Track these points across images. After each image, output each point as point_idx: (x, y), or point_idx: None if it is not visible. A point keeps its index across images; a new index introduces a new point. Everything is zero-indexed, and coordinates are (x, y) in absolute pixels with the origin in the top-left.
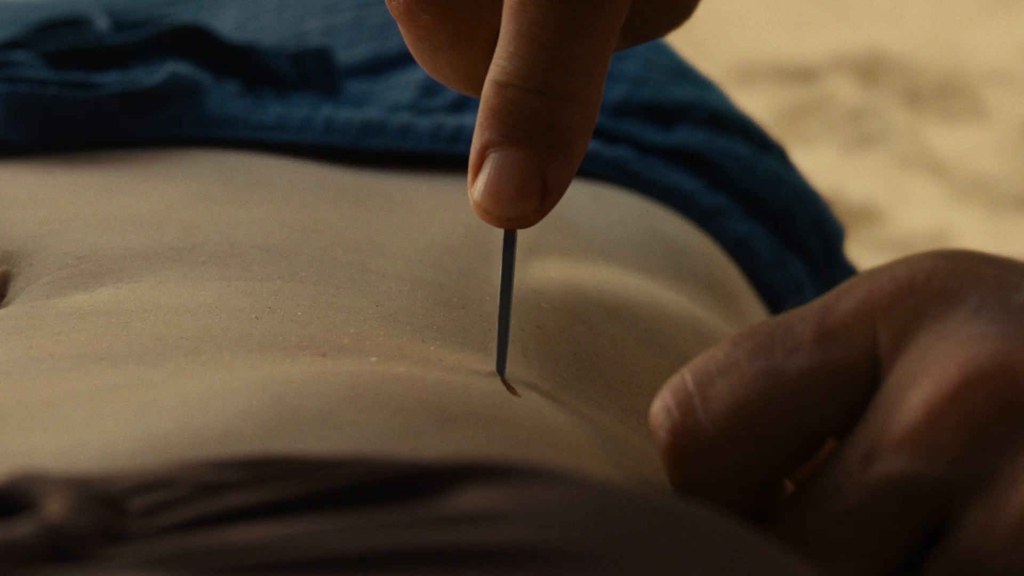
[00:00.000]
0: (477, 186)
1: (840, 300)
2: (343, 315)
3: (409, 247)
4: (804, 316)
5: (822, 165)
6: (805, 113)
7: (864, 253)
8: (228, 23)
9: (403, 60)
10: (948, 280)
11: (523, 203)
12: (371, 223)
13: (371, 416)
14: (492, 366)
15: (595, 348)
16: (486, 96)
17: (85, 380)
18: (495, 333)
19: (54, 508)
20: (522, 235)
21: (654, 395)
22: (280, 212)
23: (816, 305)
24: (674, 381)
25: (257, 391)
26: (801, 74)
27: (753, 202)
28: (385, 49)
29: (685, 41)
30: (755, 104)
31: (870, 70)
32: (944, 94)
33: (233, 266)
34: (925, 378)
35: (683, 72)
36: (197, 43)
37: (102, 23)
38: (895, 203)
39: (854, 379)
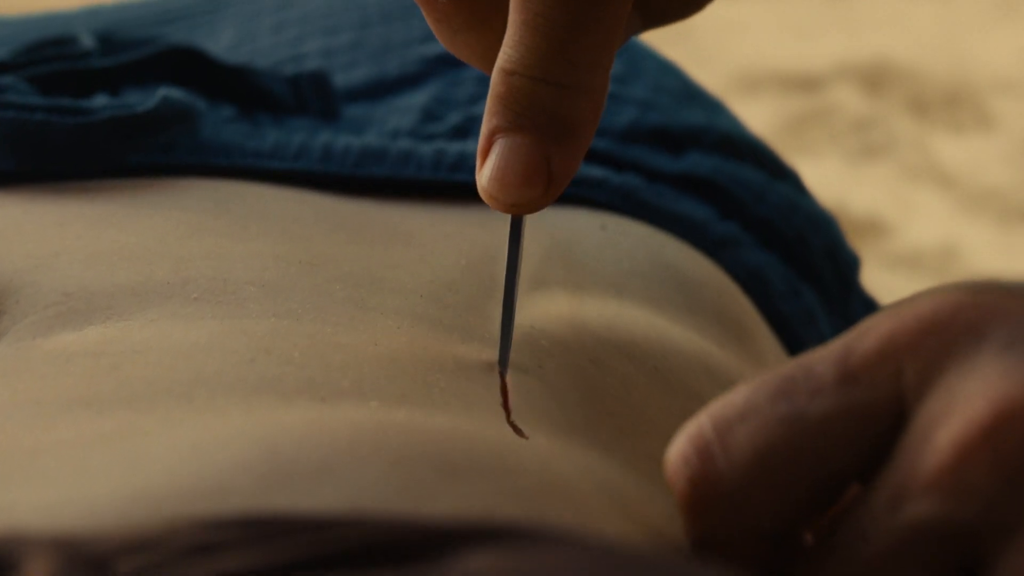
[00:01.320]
0: (484, 172)
1: (862, 339)
2: (342, 355)
3: (409, 281)
4: (825, 357)
5: (827, 176)
6: (809, 123)
7: (871, 268)
8: (223, 44)
9: (404, 83)
10: (974, 315)
11: (529, 189)
12: (370, 256)
13: (371, 468)
14: (496, 409)
15: (604, 388)
16: (494, 83)
17: (72, 428)
18: (496, 374)
19: (37, 571)
20: (529, 267)
21: (665, 437)
22: (276, 245)
23: (837, 345)
24: (692, 428)
25: (252, 441)
26: (805, 83)
27: (766, 230)
28: (385, 72)
29: (686, 49)
30: (758, 114)
31: (875, 79)
32: (951, 103)
33: (227, 303)
34: (953, 417)
35: (693, 94)
36: (190, 65)
37: (88, 42)
38: (902, 216)
39: (879, 421)
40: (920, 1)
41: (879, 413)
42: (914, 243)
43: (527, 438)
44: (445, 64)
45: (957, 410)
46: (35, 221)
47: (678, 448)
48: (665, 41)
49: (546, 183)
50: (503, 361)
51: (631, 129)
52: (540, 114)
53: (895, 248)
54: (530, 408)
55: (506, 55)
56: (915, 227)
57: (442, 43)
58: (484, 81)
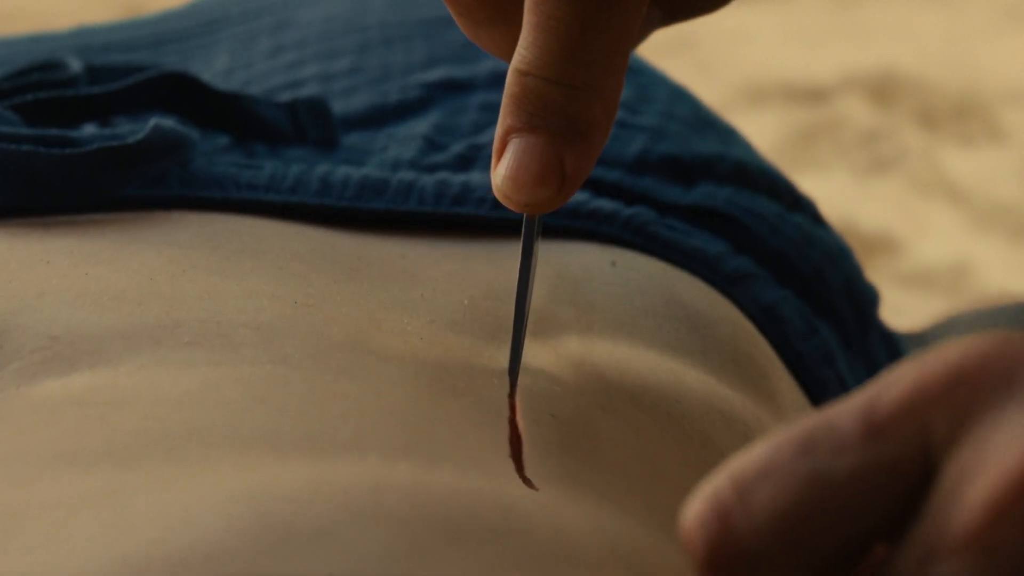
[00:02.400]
0: (499, 171)
1: (887, 392)
2: (340, 405)
3: (411, 323)
4: (849, 411)
5: (835, 191)
6: (816, 135)
7: (882, 286)
8: (218, 69)
9: (405, 110)
10: (1003, 365)
11: (542, 189)
12: (370, 295)
13: (371, 533)
14: (503, 460)
15: (615, 438)
16: (508, 83)
17: (55, 486)
18: (504, 422)
19: None
20: (537, 306)
21: (680, 488)
22: (271, 284)
23: (861, 398)
24: (710, 488)
25: (245, 504)
26: (811, 94)
27: (781, 264)
28: (385, 98)
29: (689, 60)
30: (764, 126)
31: (883, 90)
32: (960, 115)
33: (220, 348)
34: (984, 472)
35: (706, 121)
36: (183, 92)
37: (77, 67)
38: (912, 232)
39: (907, 477)
40: (927, 9)
41: (907, 469)
42: (925, 260)
43: (538, 489)
44: (448, 90)
45: (989, 465)
46: (20, 258)
47: (696, 510)
48: (667, 51)
49: (560, 183)
50: (513, 370)
51: (641, 159)
52: (553, 115)
53: (906, 266)
54: (540, 460)
55: (520, 56)
56: (926, 244)
57: (466, 35)
58: (489, 108)
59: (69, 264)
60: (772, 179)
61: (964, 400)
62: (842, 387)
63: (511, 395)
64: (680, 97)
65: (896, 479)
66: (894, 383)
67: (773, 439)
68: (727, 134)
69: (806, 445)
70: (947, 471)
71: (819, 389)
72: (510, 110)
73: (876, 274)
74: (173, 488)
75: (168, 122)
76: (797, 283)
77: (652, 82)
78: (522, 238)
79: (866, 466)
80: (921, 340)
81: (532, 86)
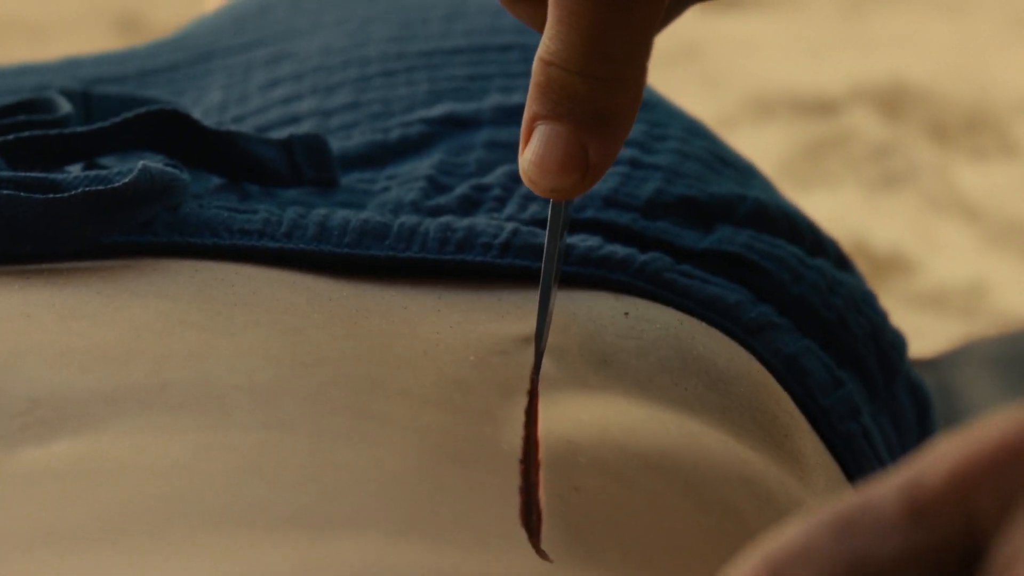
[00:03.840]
0: (525, 155)
1: (930, 471)
2: (339, 476)
3: (414, 383)
4: (890, 492)
5: (845, 208)
6: (825, 149)
7: (895, 308)
8: (211, 103)
9: (406, 148)
10: None
11: (567, 176)
12: (370, 352)
13: None
14: (513, 537)
15: (632, 510)
16: (534, 71)
17: (32, 568)
18: (515, 491)
19: None
20: (550, 364)
21: (701, 560)
22: (266, 341)
23: (902, 477)
24: (743, 570)
25: None
26: (820, 106)
27: (803, 312)
28: (386, 135)
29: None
30: (771, 139)
31: (893, 102)
32: (972, 128)
33: (211, 412)
34: None
35: (722, 159)
36: (173, 130)
37: (64, 105)
38: (925, 250)
39: (953, 560)
40: (936, 18)
41: (952, 552)
42: (939, 280)
43: (552, 562)
44: (452, 126)
45: None
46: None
47: None
48: (671, 62)
49: (584, 170)
50: (539, 348)
51: (656, 201)
52: (577, 105)
53: (919, 286)
54: (558, 537)
55: (545, 46)
56: (940, 263)
57: (504, 8)
58: (494, 146)
59: (51, 319)
60: (793, 220)
61: (1013, 479)
62: (868, 441)
63: (524, 461)
64: (696, 133)
65: (941, 563)
66: (938, 461)
67: (809, 518)
68: (745, 172)
69: (845, 527)
70: (997, 555)
71: (843, 445)
72: (536, 97)
73: (889, 295)
74: (158, 570)
75: (157, 164)
76: (820, 332)
77: (666, 117)
78: (548, 224)
79: (909, 550)
80: (935, 366)
81: (556, 76)
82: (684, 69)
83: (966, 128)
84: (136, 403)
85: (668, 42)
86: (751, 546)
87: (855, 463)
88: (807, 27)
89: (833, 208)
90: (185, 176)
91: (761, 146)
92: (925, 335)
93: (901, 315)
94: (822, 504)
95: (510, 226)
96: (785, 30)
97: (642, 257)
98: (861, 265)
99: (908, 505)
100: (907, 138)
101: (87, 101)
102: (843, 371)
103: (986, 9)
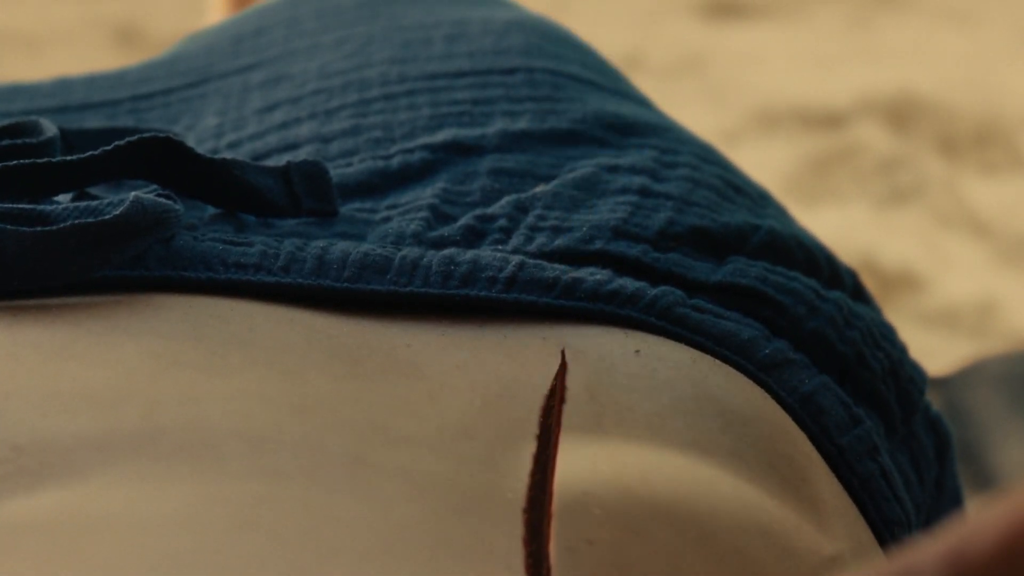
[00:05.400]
0: None
1: (975, 538)
2: (337, 531)
3: (416, 429)
4: (934, 560)
5: (853, 224)
6: (833, 163)
7: (904, 326)
8: (207, 127)
9: (408, 176)
10: None
11: None
12: (371, 396)
13: None
14: None
15: (645, 563)
16: None
17: None
18: (520, 546)
19: None
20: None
21: None
22: (262, 383)
23: (945, 545)
24: None
25: None
26: (827, 119)
27: (819, 347)
28: (388, 163)
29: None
30: (777, 153)
31: (901, 114)
32: (982, 142)
33: (205, 460)
34: None
35: (735, 186)
36: (166, 158)
37: (51, 130)
38: (935, 267)
39: None
40: (944, 29)
41: None
42: (950, 298)
43: None
44: (455, 153)
45: None
46: None
47: None
48: (677, 75)
49: None
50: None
51: (666, 232)
52: None
53: (929, 304)
54: None
55: None
56: (949, 280)
57: None
58: (499, 174)
59: (37, 359)
60: (809, 250)
61: None
62: (887, 480)
63: (528, 511)
64: (707, 159)
65: None
66: (983, 530)
67: None
68: (759, 200)
69: None
70: None
71: (862, 484)
72: None
73: (898, 313)
74: None
75: (149, 196)
76: (836, 367)
77: (677, 143)
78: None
79: None
80: (946, 386)
81: None
82: (689, 81)
83: (976, 141)
84: (127, 450)
85: (673, 54)
86: None
87: (874, 504)
88: (814, 39)
89: (840, 224)
90: (179, 207)
91: (767, 160)
92: (935, 354)
93: (910, 333)
94: (862, 569)
95: (516, 259)
96: (791, 42)
97: (653, 291)
98: (869, 282)
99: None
100: (916, 152)
101: (65, 138)
102: (860, 408)
103: (995, 20)
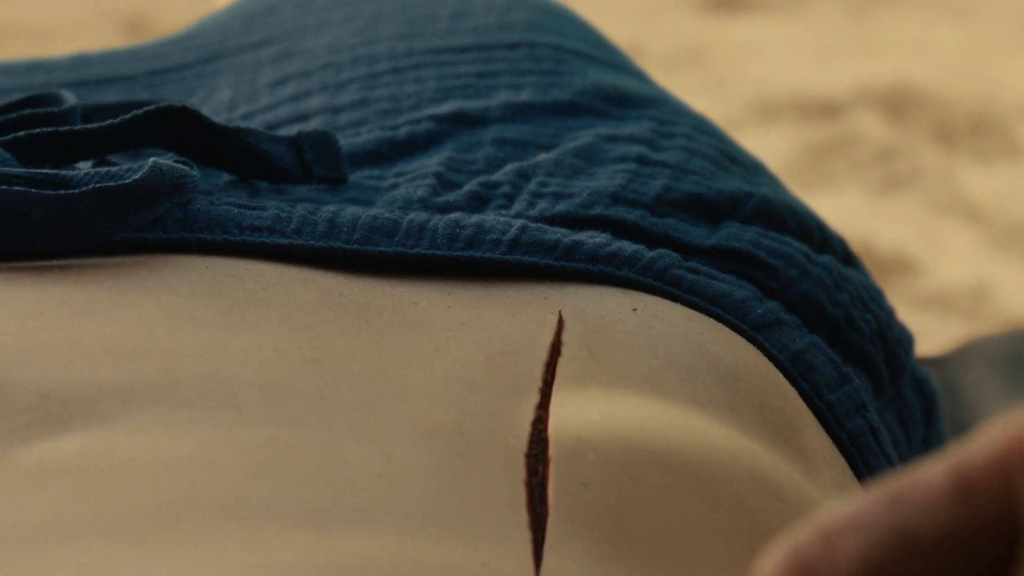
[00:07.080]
0: None
1: (976, 450)
2: (349, 472)
3: (423, 381)
4: (940, 470)
5: (850, 210)
6: (830, 152)
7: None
8: (221, 101)
9: (415, 145)
10: None
11: None
12: (380, 349)
13: None
14: (521, 535)
15: (642, 506)
16: None
17: (40, 566)
18: (522, 489)
19: None
20: (559, 365)
21: (709, 556)
22: (276, 337)
23: (949, 457)
24: (793, 539)
25: None
26: (825, 109)
27: (810, 309)
28: (395, 132)
29: (700, 75)
30: (776, 142)
31: (898, 105)
32: (977, 131)
33: (222, 408)
34: None
35: (730, 156)
36: (182, 127)
37: (72, 100)
38: (929, 253)
39: (998, 536)
40: (941, 21)
41: (997, 527)
42: (943, 282)
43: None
44: (460, 123)
45: None
46: (10, 308)
47: (777, 560)
48: (678, 66)
49: None
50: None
51: (663, 198)
52: None
53: (923, 288)
54: (568, 533)
55: None
56: (944, 265)
57: None
58: (502, 143)
59: (62, 315)
60: (800, 216)
61: None
62: (875, 437)
63: (530, 455)
64: (703, 130)
65: (986, 538)
66: (986, 442)
67: (858, 497)
68: (753, 169)
69: (895, 500)
70: None
71: (851, 440)
72: None
73: (893, 296)
74: (169, 566)
75: (167, 161)
76: (826, 328)
77: (674, 115)
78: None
79: (956, 525)
80: (940, 365)
81: None
82: (689, 72)
83: (971, 131)
84: (147, 399)
85: (673, 45)
86: (761, 543)
87: (862, 459)
88: (812, 30)
89: (837, 210)
90: (195, 173)
91: (766, 148)
92: (929, 337)
93: (905, 317)
94: (871, 487)
95: (518, 223)
96: (790, 33)
97: (650, 254)
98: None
99: (955, 482)
100: (912, 141)
101: (83, 112)
102: (849, 367)
103: (991, 12)
